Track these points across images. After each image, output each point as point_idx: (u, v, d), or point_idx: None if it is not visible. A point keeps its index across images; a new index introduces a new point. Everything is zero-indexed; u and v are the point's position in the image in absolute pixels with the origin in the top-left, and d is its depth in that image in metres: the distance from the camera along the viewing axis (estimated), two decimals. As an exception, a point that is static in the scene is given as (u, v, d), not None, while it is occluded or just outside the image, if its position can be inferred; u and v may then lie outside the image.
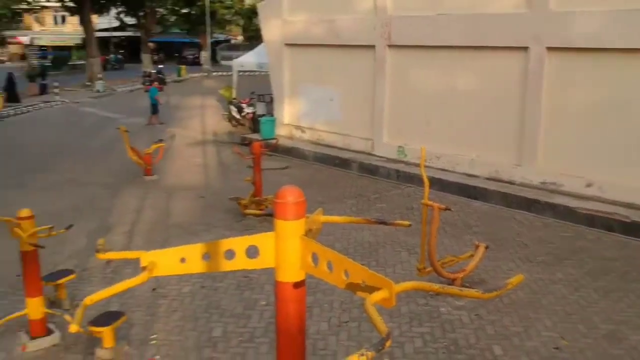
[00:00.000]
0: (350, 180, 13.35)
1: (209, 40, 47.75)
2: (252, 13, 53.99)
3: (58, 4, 40.89)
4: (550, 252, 8.67)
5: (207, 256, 2.58)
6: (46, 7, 51.56)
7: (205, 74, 47.49)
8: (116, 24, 52.02)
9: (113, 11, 42.62)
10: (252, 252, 2.50)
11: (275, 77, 17.32)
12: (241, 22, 52.17)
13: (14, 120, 22.75)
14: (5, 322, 6.12)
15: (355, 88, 14.93)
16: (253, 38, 64.76)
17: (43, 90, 32.06)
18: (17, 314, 6.21)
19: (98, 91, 32.82)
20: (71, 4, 37.38)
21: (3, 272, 7.74)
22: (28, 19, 67.16)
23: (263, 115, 18.87)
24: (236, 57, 24.08)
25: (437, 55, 12.90)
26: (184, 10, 46.43)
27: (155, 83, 21.09)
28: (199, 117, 23.52)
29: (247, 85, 21.92)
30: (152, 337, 6.20)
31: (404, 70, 13.66)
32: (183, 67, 44.12)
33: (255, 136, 17.48)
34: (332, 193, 12.02)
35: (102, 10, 39.62)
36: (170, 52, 64.82)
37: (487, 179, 12.15)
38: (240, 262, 2.52)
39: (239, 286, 7.41)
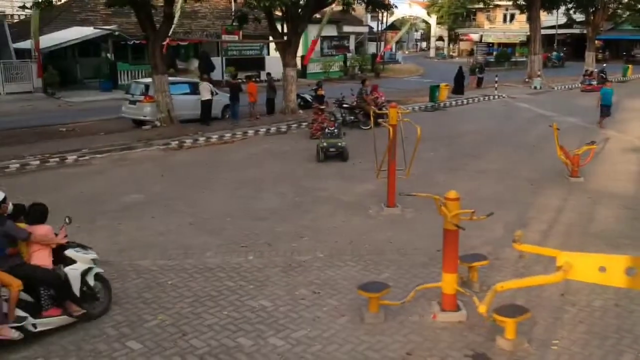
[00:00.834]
0: None
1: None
2: None
3: (509, 3, 42.27)
4: None
5: (631, 271, 2.38)
6: (498, 6, 53.95)
7: (656, 74, 42.53)
8: (562, 21, 50.95)
9: (562, 8, 41.70)
10: (689, 277, 2.19)
11: None
12: None
13: (454, 110, 24.81)
14: (422, 289, 6.85)
15: None
16: None
17: (480, 83, 34.08)
18: (433, 284, 6.87)
19: (535, 88, 32.94)
20: (522, 2, 38.19)
21: (426, 244, 8.66)
22: (480, 17, 71.87)
23: None
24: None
25: None
26: (641, 5, 42.16)
27: (609, 83, 19.44)
28: (640, 121, 21.32)
29: None
30: (554, 342, 6.05)
31: None
32: (630, 66, 40.42)
33: None
34: None
35: (552, 7, 39.26)
36: (617, 51, 60.21)
37: None
38: (672, 286, 2.24)
39: (662, 315, 6.55)
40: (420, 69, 49.74)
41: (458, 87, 28.89)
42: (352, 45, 45.54)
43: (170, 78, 21.21)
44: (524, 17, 53.92)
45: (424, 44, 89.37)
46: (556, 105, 25.99)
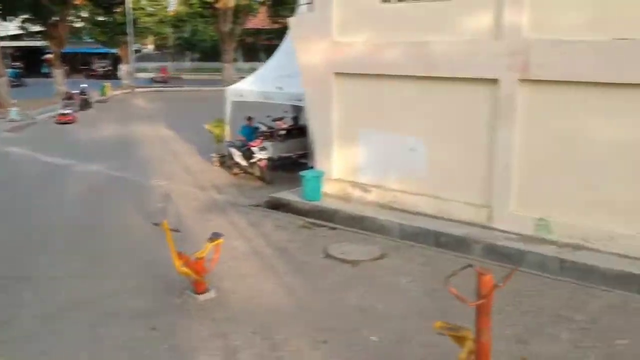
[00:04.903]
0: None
1: (130, 51, 41.59)
2: (178, 21, 48.62)
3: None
4: None
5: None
6: None
7: (128, 90, 41.43)
8: (11, 32, 44.43)
9: (15, 19, 35.44)
10: None
11: (318, 115, 12.89)
12: (166, 30, 46.21)
13: None
14: None
15: (455, 135, 10.93)
16: (162, 47, 58.84)
17: None
18: None
19: (12, 120, 26.31)
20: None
21: None
22: None
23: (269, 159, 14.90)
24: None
25: (614, 96, 9.15)
26: (101, 18, 39.86)
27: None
28: (172, 158, 18.41)
29: (238, 117, 17.13)
30: None
31: (550, 114, 9.77)
32: (107, 84, 37.88)
33: (264, 190, 13.00)
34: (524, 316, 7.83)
35: (5, 16, 32.41)
36: (76, 64, 57.27)
37: None
38: None
39: None
40: None
41: None
42: None
43: None
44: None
45: None
46: (60, 145, 20.64)
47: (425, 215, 11.31)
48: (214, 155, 17.06)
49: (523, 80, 9.86)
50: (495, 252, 9.86)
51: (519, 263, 9.28)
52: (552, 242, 9.80)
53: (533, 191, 10.11)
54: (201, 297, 8.24)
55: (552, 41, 9.46)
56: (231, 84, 18.60)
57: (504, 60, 9.93)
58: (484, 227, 10.59)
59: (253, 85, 16.12)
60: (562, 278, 8.93)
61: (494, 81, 10.16)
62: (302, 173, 12.69)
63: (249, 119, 16.33)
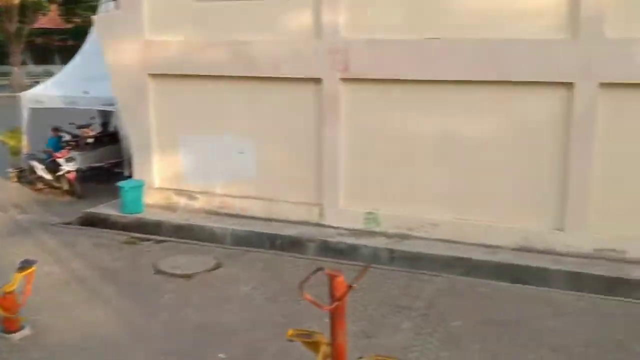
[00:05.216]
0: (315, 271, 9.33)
1: None
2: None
3: None
4: None
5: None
6: None
7: None
8: None
9: None
10: None
11: (134, 120, 11.93)
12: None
13: None
14: None
15: (283, 135, 10.83)
16: None
17: None
18: None
19: None
20: None
21: None
22: None
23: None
24: None
25: (427, 93, 9.69)
26: None
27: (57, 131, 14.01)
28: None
29: (37, 126, 15.27)
30: None
31: (372, 111, 10.11)
32: None
33: (75, 204, 11.93)
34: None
35: None
36: None
37: (515, 249, 9.51)
38: None
39: None
40: None
41: None
42: None
43: None
44: None
45: None
46: None
47: (258, 218, 11.08)
48: (10, 170, 15.02)
49: (345, 79, 10.08)
50: (329, 249, 9.96)
51: (352, 257, 9.54)
52: (381, 234, 10.17)
53: (360, 186, 10.39)
54: (16, 336, 7.09)
55: (368, 40, 9.79)
56: (23, 89, 16.63)
57: (326, 60, 10.05)
58: (317, 225, 10.66)
59: (54, 90, 14.47)
60: (395, 268, 9.29)
61: (317, 80, 10.25)
62: (120, 184, 11.69)
63: (55, 129, 14.64)
